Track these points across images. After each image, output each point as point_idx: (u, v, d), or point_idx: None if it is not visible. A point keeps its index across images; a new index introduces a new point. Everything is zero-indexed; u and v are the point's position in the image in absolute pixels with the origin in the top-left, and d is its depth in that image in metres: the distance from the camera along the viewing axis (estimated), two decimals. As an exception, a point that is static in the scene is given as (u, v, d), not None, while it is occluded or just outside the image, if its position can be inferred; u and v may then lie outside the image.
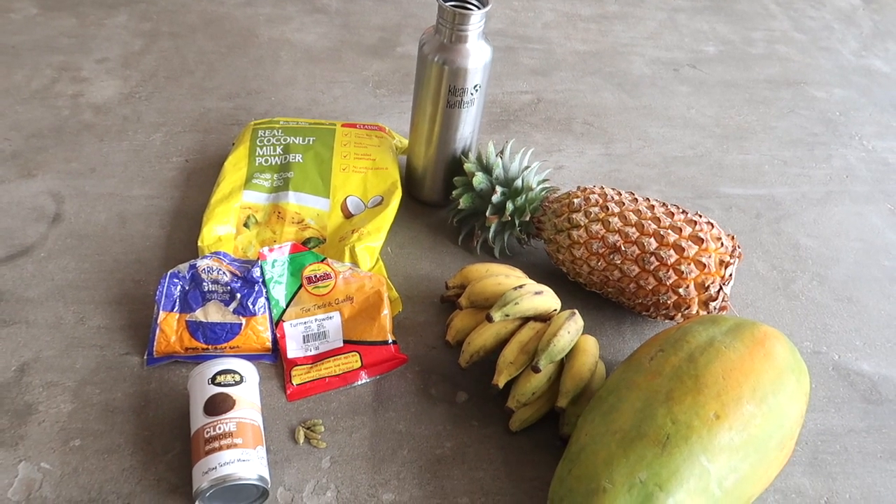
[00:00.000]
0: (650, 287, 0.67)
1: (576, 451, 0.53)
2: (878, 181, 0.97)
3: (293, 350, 0.65)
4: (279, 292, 0.66)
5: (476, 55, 0.70)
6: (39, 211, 0.76)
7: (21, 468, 0.56)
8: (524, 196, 0.73)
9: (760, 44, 1.24)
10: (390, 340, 0.66)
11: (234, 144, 0.82)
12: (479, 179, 0.74)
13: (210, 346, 0.63)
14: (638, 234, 0.67)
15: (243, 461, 0.53)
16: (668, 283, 0.66)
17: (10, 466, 0.56)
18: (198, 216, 0.75)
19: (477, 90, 0.72)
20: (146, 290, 0.69)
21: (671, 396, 0.52)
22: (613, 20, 1.24)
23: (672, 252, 0.66)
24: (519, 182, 0.73)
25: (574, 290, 0.73)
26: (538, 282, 0.66)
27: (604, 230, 0.68)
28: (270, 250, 0.67)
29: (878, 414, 0.69)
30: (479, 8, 0.68)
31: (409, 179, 0.82)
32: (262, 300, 0.65)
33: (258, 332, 0.64)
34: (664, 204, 0.70)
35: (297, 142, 0.79)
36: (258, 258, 0.67)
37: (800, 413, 0.55)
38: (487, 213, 0.73)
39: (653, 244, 0.66)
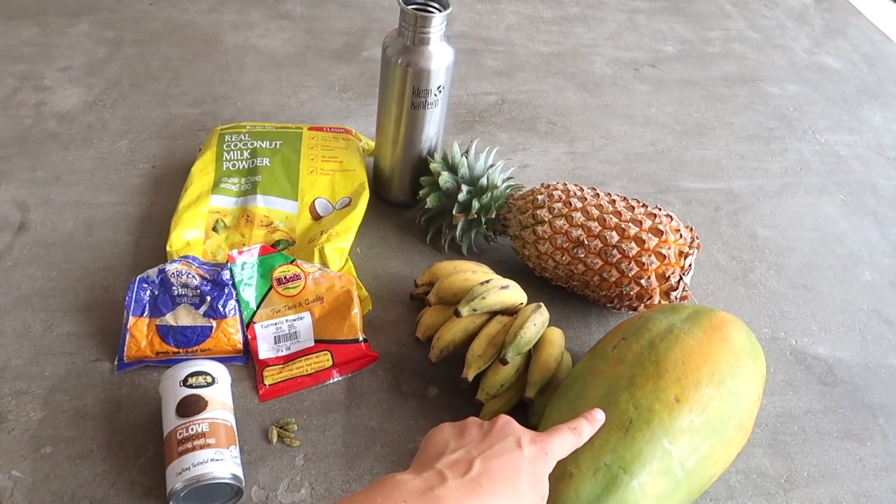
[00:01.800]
0: (613, 279, 0.69)
1: (543, 439, 0.54)
2: (831, 173, 1.01)
3: (265, 351, 0.66)
4: (249, 294, 0.67)
5: (439, 57, 0.71)
6: (4, 220, 0.76)
7: (-8, 477, 0.56)
8: (490, 194, 0.75)
9: (717, 43, 1.28)
10: (361, 339, 0.67)
11: (200, 150, 0.82)
12: (445, 179, 0.75)
13: (181, 350, 0.64)
14: (600, 228, 0.69)
15: (217, 461, 0.53)
16: (630, 275, 0.68)
17: (-20, 475, 0.55)
18: (166, 222, 0.75)
19: (441, 91, 0.73)
20: (115, 296, 0.69)
21: (633, 382, 0.53)
22: (574, 22, 1.27)
23: (633, 244, 0.68)
24: (484, 180, 0.75)
25: (541, 285, 0.75)
26: (505, 277, 0.67)
27: (567, 225, 0.70)
28: (240, 253, 0.68)
29: (833, 395, 0.71)
30: (440, 10, 0.70)
31: (377, 180, 0.83)
32: (232, 302, 0.66)
33: (229, 334, 0.65)
34: (625, 198, 0.73)
35: (264, 146, 0.80)
36: (227, 261, 0.67)
37: (757, 395, 0.57)
38: (454, 212, 0.75)
39: (614, 237, 0.68)
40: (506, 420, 0.47)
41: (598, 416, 0.51)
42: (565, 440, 0.48)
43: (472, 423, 0.48)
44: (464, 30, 1.19)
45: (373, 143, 0.85)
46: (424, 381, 0.67)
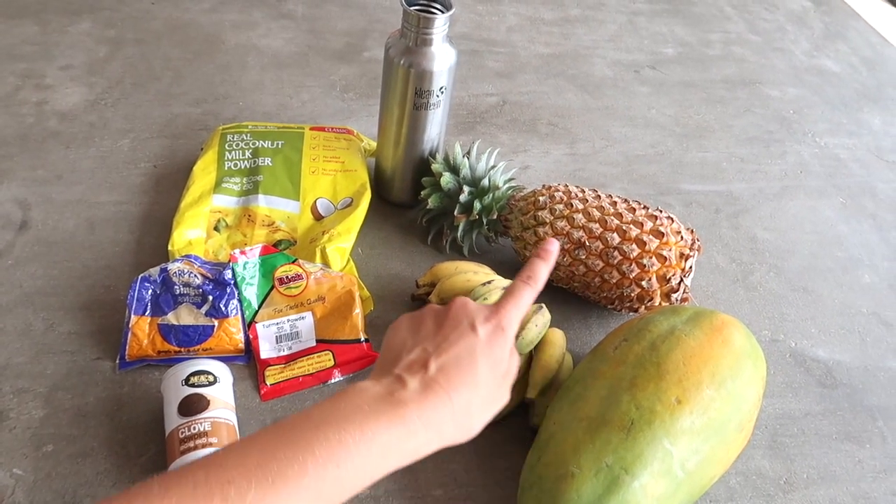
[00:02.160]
0: (614, 281, 0.69)
1: (545, 439, 0.54)
2: (831, 176, 1.01)
3: (266, 350, 0.66)
4: (251, 294, 0.67)
5: (441, 58, 0.71)
6: (5, 219, 0.76)
7: (-7, 475, 0.56)
8: (491, 195, 0.75)
9: (717, 45, 1.28)
10: (363, 339, 0.67)
11: (202, 149, 0.82)
12: (446, 180, 0.75)
13: (183, 349, 0.64)
14: (601, 229, 0.69)
15: (219, 460, 0.53)
16: (631, 277, 0.68)
17: (-19, 474, 0.56)
18: (167, 221, 0.75)
19: (443, 92, 0.74)
20: (116, 295, 0.69)
21: (635, 383, 0.54)
22: (575, 24, 1.27)
23: (634, 246, 0.68)
24: (486, 181, 0.75)
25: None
26: (506, 278, 0.68)
27: (568, 226, 0.70)
28: (242, 252, 0.68)
29: (832, 398, 0.72)
30: (442, 12, 0.70)
31: (378, 181, 0.83)
32: (234, 302, 0.66)
33: (231, 333, 0.65)
34: (626, 200, 0.73)
35: (266, 146, 0.80)
36: (229, 260, 0.68)
37: (757, 396, 0.57)
38: (456, 213, 0.75)
39: (616, 239, 0.68)
40: (460, 303, 0.47)
41: (551, 248, 0.50)
42: (521, 300, 0.48)
43: (428, 313, 0.47)
44: (465, 31, 1.19)
45: (374, 144, 0.85)
46: (425, 381, 0.67)
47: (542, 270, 0.49)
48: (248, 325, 0.66)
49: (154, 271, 0.66)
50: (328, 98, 1.00)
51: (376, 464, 0.39)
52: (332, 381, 0.65)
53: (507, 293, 0.48)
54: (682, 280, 0.68)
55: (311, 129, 0.84)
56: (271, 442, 0.37)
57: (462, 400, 0.42)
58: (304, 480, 0.36)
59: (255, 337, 0.66)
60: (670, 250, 0.68)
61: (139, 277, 0.66)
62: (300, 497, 0.36)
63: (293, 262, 0.69)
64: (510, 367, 0.47)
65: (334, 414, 0.39)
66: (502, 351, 0.46)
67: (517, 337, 0.61)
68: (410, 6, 0.70)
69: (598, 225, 0.69)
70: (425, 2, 0.71)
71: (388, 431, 0.39)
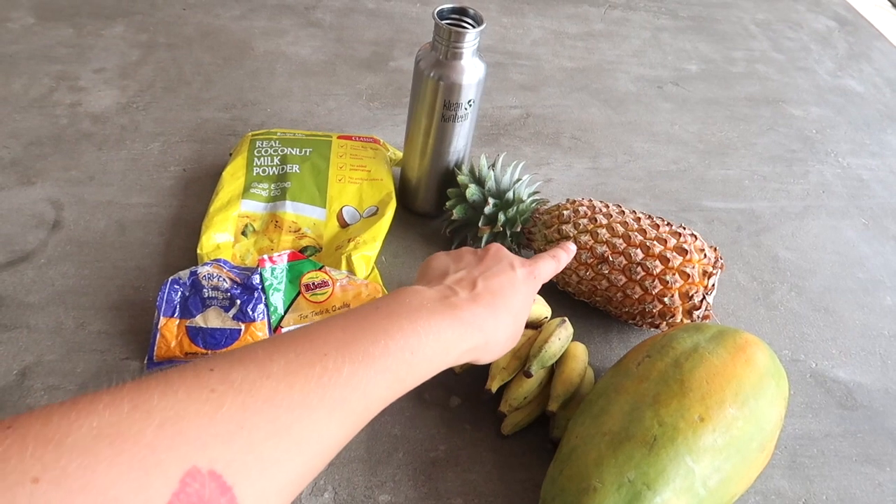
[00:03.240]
0: (636, 296, 0.69)
1: (567, 453, 0.55)
2: (853, 197, 1.01)
3: (291, 355, 0.66)
4: (277, 299, 0.68)
5: (470, 71, 0.72)
6: (39, 218, 0.77)
7: (24, 469, 0.57)
8: (515, 208, 0.76)
9: (741, 63, 1.28)
10: (386, 346, 0.68)
11: (231, 154, 0.84)
12: (472, 191, 0.76)
13: (209, 351, 0.65)
14: (625, 245, 0.70)
15: (245, 462, 0.54)
16: (653, 293, 0.68)
17: (13, 468, 0.57)
18: (196, 224, 0.76)
19: (471, 105, 0.74)
20: (145, 296, 0.71)
21: (658, 400, 0.54)
22: (599, 38, 1.28)
23: (657, 262, 0.68)
24: (510, 194, 0.76)
25: (563, 299, 0.76)
26: (529, 290, 0.68)
27: (592, 241, 0.71)
28: (270, 258, 0.69)
29: (853, 419, 0.72)
30: (474, 26, 0.71)
31: (403, 190, 0.84)
32: (261, 306, 0.67)
33: (257, 337, 0.66)
34: (650, 216, 0.73)
35: (294, 153, 0.81)
36: (258, 265, 0.69)
37: (779, 416, 0.58)
38: (480, 224, 0.76)
39: (639, 255, 0.69)
40: (497, 247, 0.55)
41: (572, 248, 0.63)
42: (548, 265, 0.57)
43: (466, 250, 0.55)
44: (490, 43, 1.20)
45: (400, 153, 0.87)
46: (447, 390, 0.67)
47: (563, 258, 0.60)
48: (274, 329, 0.67)
49: (184, 274, 0.67)
50: (354, 106, 1.01)
51: (441, 358, 0.44)
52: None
53: (537, 256, 0.57)
54: (704, 297, 0.69)
55: (339, 137, 0.85)
56: (351, 325, 0.40)
57: (504, 320, 0.49)
58: (387, 361, 0.39)
59: (281, 341, 0.67)
60: (693, 267, 0.68)
61: (169, 280, 0.67)
62: (383, 376, 0.39)
63: (320, 268, 0.70)
64: (530, 311, 0.55)
65: (403, 307, 0.43)
66: (532, 295, 0.53)
67: (540, 351, 0.61)
68: (442, 20, 0.71)
69: (621, 240, 0.70)
70: (456, 16, 0.72)
71: (451, 329, 0.44)
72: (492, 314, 0.48)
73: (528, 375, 0.61)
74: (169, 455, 0.28)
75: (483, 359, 0.49)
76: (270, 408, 0.33)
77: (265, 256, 0.69)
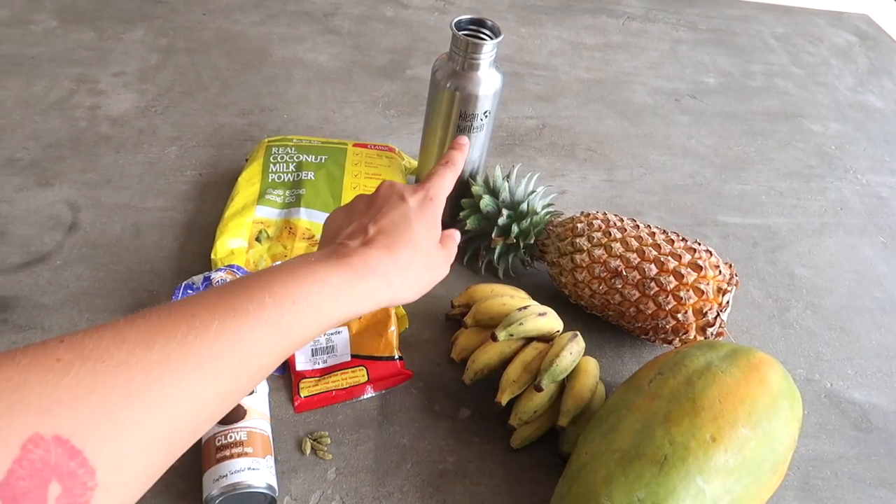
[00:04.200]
0: (650, 311, 0.69)
1: (576, 469, 0.54)
2: (871, 214, 1.00)
3: (301, 363, 0.67)
4: (290, 306, 0.68)
5: (487, 82, 0.72)
6: (56, 219, 0.78)
7: (34, 471, 0.57)
8: (529, 219, 0.76)
9: (759, 77, 1.27)
10: (397, 356, 0.68)
11: (247, 160, 0.84)
12: (486, 202, 0.76)
13: (221, 357, 0.65)
14: (639, 259, 0.69)
15: (253, 470, 0.54)
16: (667, 309, 0.68)
17: (23, 469, 0.57)
18: (211, 229, 0.77)
19: (487, 116, 0.74)
20: (159, 299, 0.71)
21: (669, 418, 0.54)
22: (617, 50, 1.28)
23: (672, 278, 0.68)
24: (524, 206, 0.76)
25: (575, 313, 0.75)
26: (541, 303, 0.68)
27: (606, 255, 0.70)
28: (282, 265, 0.69)
29: (868, 441, 0.71)
30: (491, 38, 0.71)
31: (417, 199, 0.84)
32: (273, 313, 0.67)
33: (268, 344, 0.66)
34: (664, 231, 0.73)
35: (309, 160, 0.82)
36: (270, 272, 0.69)
37: (793, 438, 0.57)
38: (493, 235, 0.76)
39: (653, 270, 0.68)
40: (387, 184, 0.54)
41: (463, 142, 0.60)
42: (445, 179, 0.56)
43: (358, 198, 0.54)
44: (507, 53, 1.20)
45: (415, 162, 0.87)
46: (457, 402, 0.67)
47: (458, 159, 0.58)
48: (286, 336, 0.67)
49: (197, 279, 0.67)
50: (370, 114, 1.01)
51: (331, 304, 0.43)
52: (365, 396, 0.66)
53: (429, 173, 0.55)
54: (718, 314, 0.68)
55: (354, 145, 0.85)
56: (229, 288, 0.40)
57: (404, 255, 0.48)
58: (264, 314, 0.39)
59: (292, 349, 0.67)
60: (708, 284, 0.68)
61: (182, 284, 0.67)
62: (262, 329, 0.39)
63: (332, 276, 0.70)
64: (439, 232, 0.54)
65: (285, 266, 0.43)
66: (434, 218, 0.52)
67: (551, 365, 0.61)
68: (459, 31, 0.71)
69: (635, 255, 0.70)
70: (474, 27, 0.72)
71: (337, 274, 0.44)
72: (389, 254, 0.48)
73: (539, 389, 0.61)
74: (7, 422, 0.28)
75: (403, 298, 0.49)
76: (125, 370, 0.33)
77: (277, 263, 0.69)
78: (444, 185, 0.55)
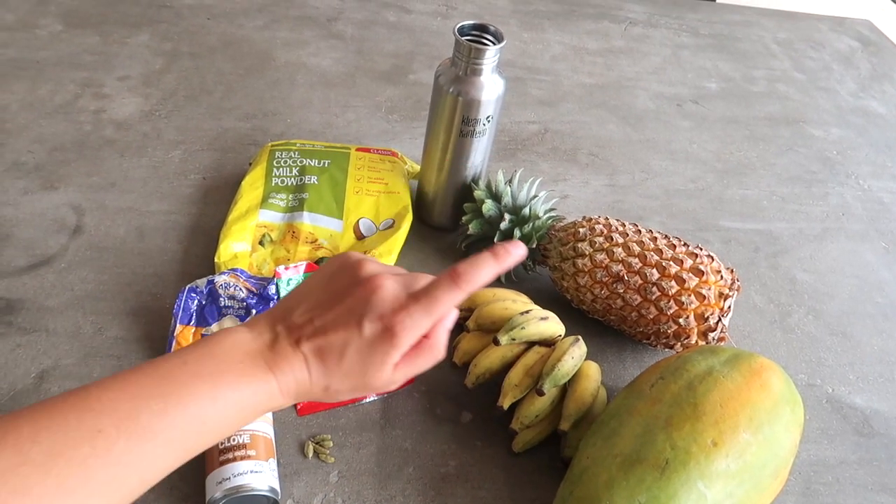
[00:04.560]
0: (651, 316, 0.69)
1: (577, 473, 0.55)
2: (873, 220, 1.00)
3: (304, 366, 0.67)
4: (293, 310, 0.68)
5: (490, 88, 0.72)
6: (61, 223, 0.78)
7: (38, 473, 0.57)
8: (531, 224, 0.76)
9: (761, 82, 1.28)
10: (399, 360, 0.68)
11: (251, 164, 0.85)
12: (488, 206, 0.76)
13: (224, 360, 0.65)
14: (641, 264, 0.70)
15: (256, 472, 0.54)
16: (668, 313, 0.68)
17: (28, 471, 0.57)
18: (214, 233, 0.77)
19: (489, 121, 0.75)
20: (163, 303, 0.71)
21: (671, 423, 0.54)
22: (619, 55, 1.28)
23: (673, 283, 0.68)
24: (527, 210, 0.76)
25: (577, 317, 0.75)
26: (542, 308, 0.68)
27: (608, 260, 0.70)
28: (286, 268, 0.70)
29: (869, 447, 0.71)
30: (494, 43, 0.71)
31: (419, 204, 0.84)
32: (276, 317, 0.67)
33: (271, 347, 0.66)
34: (666, 236, 0.73)
35: (312, 164, 0.82)
36: (274, 276, 0.69)
37: (794, 443, 0.57)
38: (496, 240, 0.76)
39: (655, 275, 0.69)
40: (376, 282, 0.43)
41: (515, 251, 0.45)
42: (434, 309, 0.43)
43: (348, 274, 0.45)
44: (509, 58, 1.21)
45: (417, 167, 0.87)
46: (458, 406, 0.67)
47: (482, 275, 0.44)
48: (288, 339, 0.67)
49: (201, 283, 0.68)
50: (373, 119, 1.02)
51: (236, 422, 0.41)
52: (367, 400, 0.66)
53: (425, 292, 0.43)
54: (720, 319, 0.68)
55: (357, 149, 0.85)
56: (145, 389, 0.38)
57: (320, 383, 0.43)
58: (173, 434, 0.38)
59: (295, 352, 0.67)
60: (709, 289, 0.68)
61: (186, 288, 0.67)
62: (165, 449, 0.38)
63: (335, 280, 0.70)
64: (385, 375, 0.43)
65: (210, 363, 0.40)
66: (384, 355, 0.42)
67: (552, 369, 0.61)
68: (462, 36, 0.71)
69: (637, 260, 0.70)
70: (477, 32, 0.73)
71: (255, 395, 0.41)
72: (306, 378, 0.42)
73: (541, 393, 0.61)
74: None
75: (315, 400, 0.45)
76: (22, 498, 0.33)
77: (282, 267, 0.70)
78: (429, 318, 0.43)
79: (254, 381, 0.41)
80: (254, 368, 0.41)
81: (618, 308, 0.71)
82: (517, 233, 0.75)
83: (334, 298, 0.44)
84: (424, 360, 0.45)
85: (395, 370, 0.44)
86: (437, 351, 0.46)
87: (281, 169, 0.82)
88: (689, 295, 0.68)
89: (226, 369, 0.41)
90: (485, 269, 0.44)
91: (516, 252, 0.45)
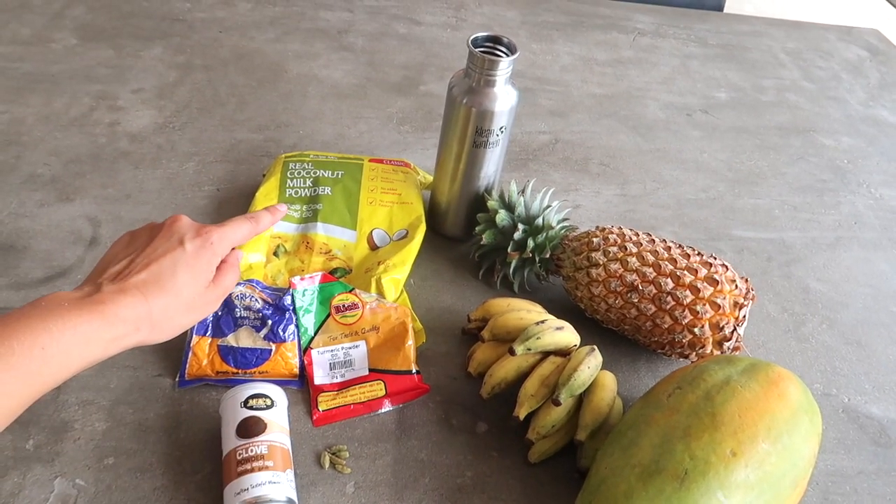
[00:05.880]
0: (666, 326, 0.69)
1: (595, 484, 0.54)
2: (886, 228, 1.00)
3: (320, 377, 0.67)
4: (308, 320, 0.69)
5: (503, 99, 0.73)
6: (77, 234, 0.79)
7: (57, 484, 0.58)
8: (545, 234, 0.76)
9: (771, 92, 1.28)
10: (414, 370, 0.68)
11: (264, 175, 0.85)
12: (501, 217, 0.76)
13: (240, 371, 0.65)
14: (655, 274, 0.70)
15: (274, 483, 0.55)
16: (683, 323, 0.68)
17: (46, 482, 0.58)
18: (229, 244, 0.78)
19: (502, 132, 0.75)
20: (178, 314, 0.72)
21: (689, 433, 0.54)
22: (628, 65, 1.28)
23: (688, 292, 0.68)
24: (540, 220, 0.76)
25: (591, 327, 0.75)
26: (556, 317, 0.68)
27: (622, 269, 0.70)
28: (301, 279, 0.70)
29: (887, 457, 0.70)
30: (507, 55, 0.72)
31: (432, 214, 0.85)
32: (291, 327, 0.67)
33: (287, 358, 0.66)
34: (680, 245, 0.73)
35: (326, 175, 0.82)
36: (289, 287, 0.69)
37: (812, 453, 0.57)
38: (509, 250, 0.76)
39: (669, 284, 0.69)
40: (175, 218, 0.54)
41: (281, 209, 0.63)
42: (238, 229, 0.56)
43: (146, 228, 0.55)
44: (520, 69, 1.21)
45: (430, 177, 0.87)
46: (474, 416, 0.67)
47: (265, 219, 0.60)
48: (304, 350, 0.68)
49: (217, 293, 0.68)
50: (385, 130, 1.02)
51: (80, 350, 0.46)
52: (383, 410, 0.66)
53: (227, 221, 0.56)
54: (735, 329, 0.68)
55: (370, 160, 0.86)
56: None
57: (159, 303, 0.50)
58: (12, 359, 0.42)
59: (310, 363, 0.67)
60: (724, 298, 0.68)
61: (202, 298, 0.68)
62: (9, 374, 0.42)
63: (350, 291, 0.71)
64: (223, 282, 0.55)
65: (36, 310, 0.45)
66: (207, 263, 0.53)
67: (569, 379, 0.61)
68: (476, 48, 0.72)
69: (651, 269, 0.70)
70: (490, 44, 0.73)
71: (88, 322, 0.45)
72: (144, 301, 0.49)
73: (557, 404, 0.61)
74: None
75: (155, 340, 0.51)
76: None
77: (297, 278, 0.70)
78: (233, 234, 0.56)
79: (84, 311, 0.46)
80: (81, 303, 0.46)
81: (632, 318, 0.71)
82: (531, 243, 0.75)
83: (145, 244, 0.52)
84: (231, 277, 0.56)
85: (218, 276, 0.54)
86: (236, 269, 0.57)
87: (294, 180, 0.82)
88: (704, 304, 0.68)
89: (52, 308, 0.45)
90: (268, 218, 0.61)
91: (278, 209, 0.62)
